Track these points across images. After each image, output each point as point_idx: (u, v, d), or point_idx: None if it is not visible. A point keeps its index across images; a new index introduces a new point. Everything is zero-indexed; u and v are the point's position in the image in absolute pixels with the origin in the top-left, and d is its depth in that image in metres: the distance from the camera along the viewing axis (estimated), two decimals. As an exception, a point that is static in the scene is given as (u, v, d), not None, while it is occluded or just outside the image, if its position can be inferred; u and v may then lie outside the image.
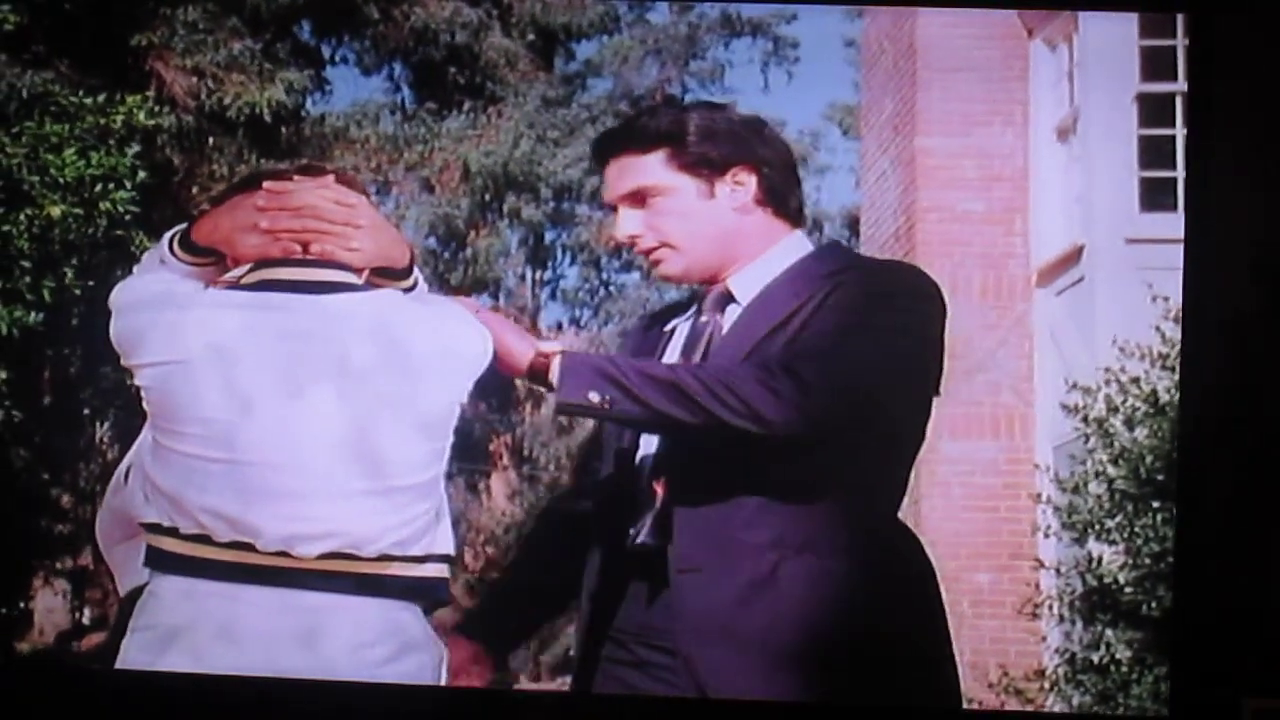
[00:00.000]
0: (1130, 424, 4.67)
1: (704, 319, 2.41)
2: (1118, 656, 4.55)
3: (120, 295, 2.28)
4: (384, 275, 2.28)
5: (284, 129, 5.76)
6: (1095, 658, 4.59)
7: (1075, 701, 4.58)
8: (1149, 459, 4.58)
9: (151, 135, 5.18)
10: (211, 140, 5.62)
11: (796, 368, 2.24)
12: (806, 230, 2.46)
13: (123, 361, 2.25)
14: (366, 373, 2.18)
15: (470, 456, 6.49)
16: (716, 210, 2.39)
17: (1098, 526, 4.65)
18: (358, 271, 2.25)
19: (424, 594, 2.23)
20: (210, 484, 2.17)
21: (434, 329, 2.24)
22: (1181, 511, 3.16)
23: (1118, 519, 4.61)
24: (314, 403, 2.17)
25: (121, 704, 2.64)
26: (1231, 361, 3.01)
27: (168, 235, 2.30)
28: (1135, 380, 4.68)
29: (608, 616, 2.38)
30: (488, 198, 6.48)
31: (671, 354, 2.42)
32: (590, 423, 2.79)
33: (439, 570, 2.24)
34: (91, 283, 4.73)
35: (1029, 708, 4.60)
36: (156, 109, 5.24)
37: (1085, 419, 4.76)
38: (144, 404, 2.25)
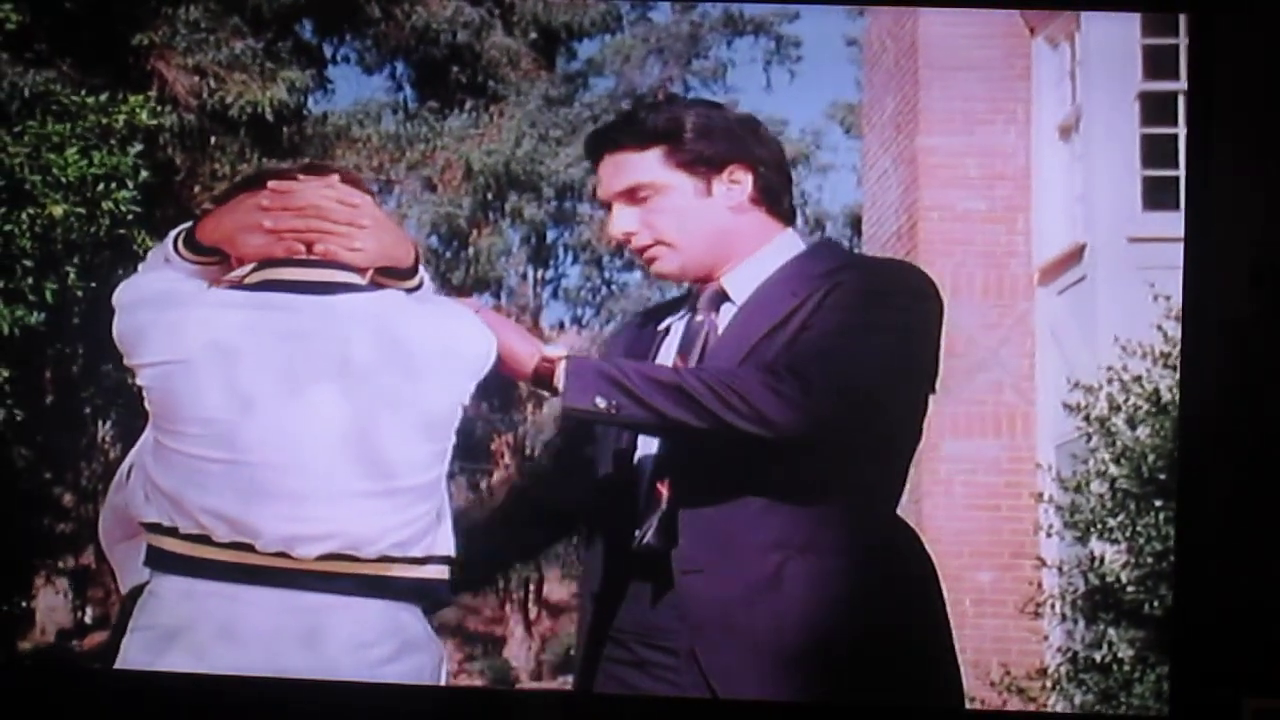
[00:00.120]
0: (1132, 423, 4.66)
1: (699, 318, 2.41)
2: (1120, 655, 4.54)
3: (123, 294, 2.28)
4: (388, 275, 2.28)
5: (286, 128, 5.75)
6: (1097, 657, 4.59)
7: (1077, 700, 4.57)
8: (1151, 458, 4.57)
9: (153, 134, 5.17)
10: (213, 139, 5.61)
11: (800, 370, 2.24)
12: (806, 229, 2.46)
13: (125, 360, 2.25)
14: (368, 373, 2.18)
15: (472, 455, 6.48)
16: (712, 208, 2.39)
17: (1099, 525, 4.64)
18: (361, 271, 2.25)
19: (424, 595, 2.23)
20: (210, 484, 2.17)
21: (436, 329, 2.24)
22: (1182, 511, 3.16)
23: (1120, 518, 4.60)
24: (315, 403, 2.17)
25: (122, 703, 2.65)
26: (1232, 361, 3.01)
27: (172, 234, 2.30)
28: (1137, 379, 4.67)
29: (609, 616, 2.38)
30: (490, 197, 6.46)
31: (667, 353, 2.42)
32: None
33: (439, 571, 2.24)
34: (93, 282, 4.72)
35: (1031, 707, 4.59)
36: (158, 108, 5.23)
37: (1087, 418, 4.75)
38: (146, 403, 2.24)
